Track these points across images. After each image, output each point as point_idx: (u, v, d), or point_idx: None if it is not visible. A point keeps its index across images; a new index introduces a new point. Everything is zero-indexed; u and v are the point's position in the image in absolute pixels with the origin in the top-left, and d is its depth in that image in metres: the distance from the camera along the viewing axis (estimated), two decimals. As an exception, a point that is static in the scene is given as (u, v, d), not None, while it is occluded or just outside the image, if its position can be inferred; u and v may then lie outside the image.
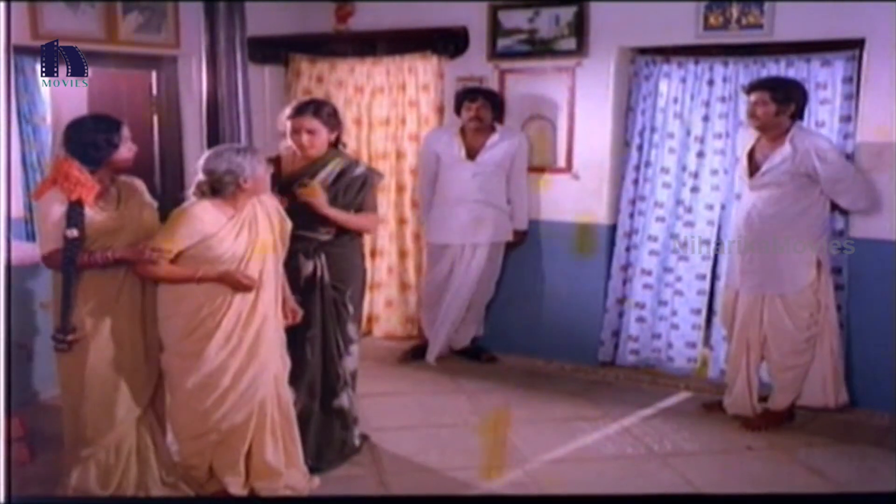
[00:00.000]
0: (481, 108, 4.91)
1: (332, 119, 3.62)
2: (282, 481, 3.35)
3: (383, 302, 5.76)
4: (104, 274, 3.14)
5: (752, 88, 4.12)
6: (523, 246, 5.19)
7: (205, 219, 3.12)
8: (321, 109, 3.59)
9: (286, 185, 3.52)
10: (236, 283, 3.13)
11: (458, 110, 5.02)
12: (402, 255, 5.70)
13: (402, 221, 5.67)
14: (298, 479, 3.42)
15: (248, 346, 3.20)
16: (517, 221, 5.12)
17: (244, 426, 3.26)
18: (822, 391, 4.23)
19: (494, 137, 4.98)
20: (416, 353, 5.30)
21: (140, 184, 3.34)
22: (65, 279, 3.08)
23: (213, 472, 3.35)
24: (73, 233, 3.04)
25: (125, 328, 3.21)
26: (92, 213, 3.09)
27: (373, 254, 5.66)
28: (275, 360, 3.31)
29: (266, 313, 3.24)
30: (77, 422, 3.21)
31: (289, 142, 3.61)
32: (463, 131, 5.03)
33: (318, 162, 3.60)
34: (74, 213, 3.04)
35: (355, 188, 3.63)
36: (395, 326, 5.74)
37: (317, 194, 3.49)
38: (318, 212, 3.50)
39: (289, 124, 3.57)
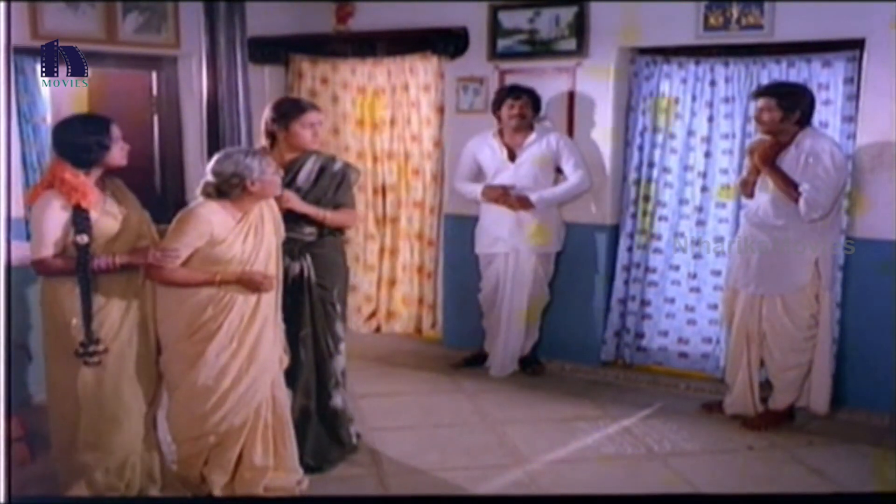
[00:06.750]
0: (524, 106, 4.78)
1: None
2: (265, 481, 3.31)
3: (399, 299, 5.82)
4: (118, 280, 3.07)
5: (758, 94, 4.12)
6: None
7: (213, 220, 3.10)
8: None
9: None
10: (255, 284, 3.13)
11: (497, 108, 4.86)
12: (412, 253, 5.72)
13: (409, 221, 5.71)
14: (286, 479, 3.37)
15: (249, 349, 3.18)
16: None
17: (241, 428, 3.25)
18: (811, 395, 4.25)
19: (532, 137, 4.84)
20: (472, 360, 5.16)
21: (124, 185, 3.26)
22: (83, 288, 2.97)
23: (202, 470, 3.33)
24: (84, 239, 2.95)
25: (136, 334, 3.16)
26: (97, 217, 3.01)
27: (388, 252, 5.80)
28: (273, 363, 3.30)
29: (267, 315, 3.23)
30: (75, 431, 3.12)
31: (264, 141, 3.63)
32: (500, 133, 4.91)
33: (296, 161, 3.62)
34: (81, 218, 2.95)
35: (335, 184, 3.66)
36: (407, 324, 5.78)
37: (291, 198, 3.49)
38: (298, 211, 3.51)
39: (305, 118, 3.57)
